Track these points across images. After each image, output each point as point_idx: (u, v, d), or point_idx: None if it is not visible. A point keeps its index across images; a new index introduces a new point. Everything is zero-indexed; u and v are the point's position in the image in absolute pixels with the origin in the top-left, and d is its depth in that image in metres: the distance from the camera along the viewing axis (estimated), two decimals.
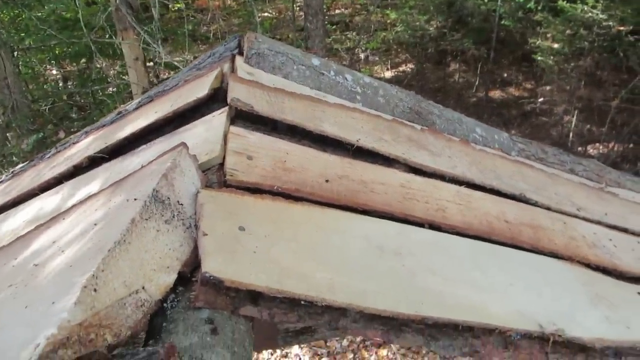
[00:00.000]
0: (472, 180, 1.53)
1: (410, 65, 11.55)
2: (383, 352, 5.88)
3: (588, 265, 1.38)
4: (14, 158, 7.34)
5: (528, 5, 7.18)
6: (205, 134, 1.30)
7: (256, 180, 1.12)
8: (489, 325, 1.00)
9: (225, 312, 0.84)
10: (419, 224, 1.24)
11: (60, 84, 10.65)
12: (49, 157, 1.85)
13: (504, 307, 1.07)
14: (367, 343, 5.93)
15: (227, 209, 0.99)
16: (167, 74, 11.16)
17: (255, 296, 0.88)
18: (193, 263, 0.89)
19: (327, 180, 1.22)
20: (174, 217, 0.92)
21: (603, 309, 1.22)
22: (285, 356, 5.65)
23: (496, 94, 9.71)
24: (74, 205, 1.22)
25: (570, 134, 7.46)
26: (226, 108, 1.37)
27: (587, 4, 6.09)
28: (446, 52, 10.35)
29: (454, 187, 1.47)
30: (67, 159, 1.61)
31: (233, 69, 1.61)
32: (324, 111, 1.52)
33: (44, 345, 0.61)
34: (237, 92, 1.38)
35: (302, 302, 0.86)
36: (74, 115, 8.33)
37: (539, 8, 6.97)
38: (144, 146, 1.43)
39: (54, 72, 11.25)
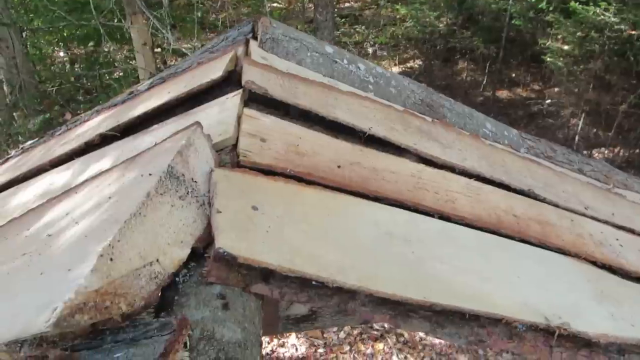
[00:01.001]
0: (481, 173, 1.53)
1: (418, 62, 11.51)
2: (379, 345, 5.91)
3: (594, 263, 1.38)
4: (20, 137, 7.35)
5: (540, 6, 7.13)
6: (218, 116, 1.30)
7: (269, 162, 1.12)
8: (495, 315, 1.01)
9: (237, 288, 0.85)
10: (429, 213, 1.25)
11: (67, 67, 10.64)
12: (59, 134, 1.86)
13: (511, 299, 1.08)
14: (364, 336, 5.96)
15: (240, 188, 0.99)
16: (174, 60, 11.13)
17: (266, 274, 0.89)
18: (206, 239, 0.90)
19: (338, 166, 1.22)
20: (188, 193, 0.93)
21: (608, 306, 1.22)
22: (282, 345, 5.68)
23: (503, 93, 9.67)
24: (85, 180, 1.22)
25: (576, 137, 7.44)
26: (240, 90, 1.37)
27: (599, 6, 6.04)
28: (455, 49, 10.30)
29: (464, 179, 1.47)
30: (78, 136, 1.61)
31: (247, 53, 1.61)
32: (336, 98, 1.52)
33: (61, 309, 0.62)
34: (251, 75, 1.38)
35: (313, 283, 0.87)
36: (80, 98, 8.34)
37: (551, 9, 6.92)
38: (156, 125, 1.44)
39: (62, 54, 11.24)
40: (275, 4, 14.08)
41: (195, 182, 0.97)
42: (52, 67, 9.99)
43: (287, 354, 5.62)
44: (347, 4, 14.75)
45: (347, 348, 5.90)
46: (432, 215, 1.25)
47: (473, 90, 9.97)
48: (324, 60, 1.75)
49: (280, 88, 1.40)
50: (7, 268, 0.90)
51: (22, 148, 2.03)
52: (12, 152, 2.07)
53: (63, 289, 0.66)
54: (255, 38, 1.78)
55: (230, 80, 1.54)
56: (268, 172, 1.11)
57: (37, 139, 2.04)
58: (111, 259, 0.71)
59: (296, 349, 5.74)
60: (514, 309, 1.05)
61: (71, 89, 9.05)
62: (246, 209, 0.93)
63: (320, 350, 5.84)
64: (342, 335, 6.01)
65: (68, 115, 7.60)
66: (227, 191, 0.96)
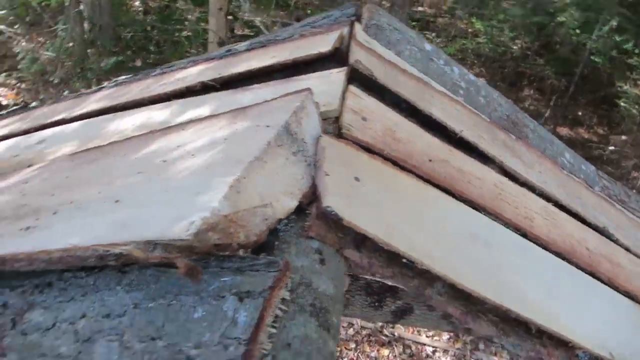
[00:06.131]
0: (559, 200, 1.53)
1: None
2: (385, 351, 5.91)
3: None
4: (89, 74, 7.68)
5: (625, 47, 6.85)
6: (321, 87, 1.34)
7: (368, 140, 1.16)
8: (563, 336, 1.02)
9: (331, 250, 0.89)
10: (507, 225, 1.26)
11: (141, 16, 10.98)
12: (154, 75, 1.95)
13: (578, 325, 1.08)
14: (372, 339, 5.97)
15: (344, 158, 1.03)
16: (242, 30, 11.33)
17: (358, 242, 0.93)
18: (309, 197, 0.94)
19: (430, 160, 1.25)
20: (299, 151, 0.98)
21: None
22: None
23: (564, 130, 9.38)
24: (190, 121, 1.29)
25: (634, 191, 7.16)
26: (345, 68, 1.41)
27: None
28: (524, 75, 10.04)
29: (542, 201, 1.46)
30: (178, 80, 1.69)
31: (351, 34, 1.64)
32: (432, 96, 1.54)
33: (200, 224, 0.67)
34: (359, 55, 1.41)
35: (404, 260, 0.90)
36: (151, 48, 8.60)
37: (637, 51, 6.65)
38: (256, 85, 1.49)
39: (137, 3, 11.59)
40: None
41: (305, 142, 1.01)
42: (129, 14, 10.33)
43: None
44: (420, 8, 14.56)
45: (352, 345, 5.93)
46: (510, 228, 1.26)
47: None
48: (422, 57, 1.77)
49: (384, 74, 1.43)
50: (125, 181, 0.97)
51: (115, 81, 2.14)
52: (105, 84, 2.19)
53: (196, 207, 0.72)
54: (358, 21, 1.81)
55: (331, 57, 1.58)
56: (366, 149, 1.14)
57: (130, 75, 2.15)
58: (238, 192, 0.77)
59: None
60: (580, 336, 1.05)
61: (142, 37, 9.34)
62: (349, 178, 0.97)
63: None
64: (350, 332, 6.04)
65: (138, 62, 7.88)
66: (334, 158, 1.00)
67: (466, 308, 1.00)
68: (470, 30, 11.55)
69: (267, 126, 0.98)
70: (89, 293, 0.85)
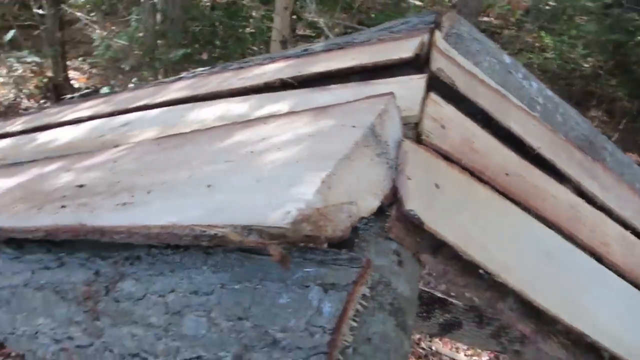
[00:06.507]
0: (637, 227, 1.46)
1: None
2: None
3: None
4: (157, 64, 8.03)
5: None
6: (401, 92, 1.35)
7: (447, 148, 1.16)
8: None
9: (409, 251, 0.90)
10: (582, 247, 1.22)
11: (209, 11, 11.37)
12: (232, 69, 2.03)
13: None
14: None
15: (425, 164, 1.04)
16: (304, 30, 11.48)
17: (434, 249, 0.93)
18: (389, 199, 0.96)
19: (506, 174, 1.23)
20: (382, 153, 0.99)
21: None
22: None
23: (633, 157, 8.86)
24: (272, 116, 1.34)
25: None
26: (425, 75, 1.41)
27: None
28: (592, 95, 9.58)
29: (619, 227, 1.41)
30: (257, 76, 1.75)
31: (431, 42, 1.65)
32: (509, 109, 1.52)
33: (296, 215, 0.71)
34: (441, 64, 1.42)
35: (480, 271, 0.90)
36: (217, 43, 8.88)
37: None
38: (334, 85, 1.52)
39: None
40: (416, 1, 13.90)
41: (388, 145, 1.03)
42: (198, 8, 10.72)
43: None
44: (486, 19, 14.19)
45: None
46: (585, 251, 1.22)
47: None
48: (500, 69, 1.74)
49: (464, 83, 1.42)
50: (214, 167, 1.02)
51: (193, 72, 2.24)
52: (183, 74, 2.30)
53: (291, 198, 0.76)
54: (438, 29, 1.81)
55: (408, 63, 1.59)
56: (445, 158, 1.14)
57: (208, 67, 2.24)
58: (329, 187, 0.79)
59: None
60: None
61: (209, 32, 9.66)
62: (430, 184, 0.98)
63: None
64: None
65: (204, 55, 8.17)
66: (415, 163, 1.01)
67: (537, 327, 0.98)
68: (537, 44, 11.15)
69: (353, 126, 1.00)
70: (177, 270, 0.91)
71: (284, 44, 8.03)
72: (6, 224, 1.15)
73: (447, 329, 2.32)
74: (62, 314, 0.97)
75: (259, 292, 0.78)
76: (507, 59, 1.79)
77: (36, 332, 1.00)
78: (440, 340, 5.23)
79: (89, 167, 1.42)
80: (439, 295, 2.34)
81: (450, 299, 2.30)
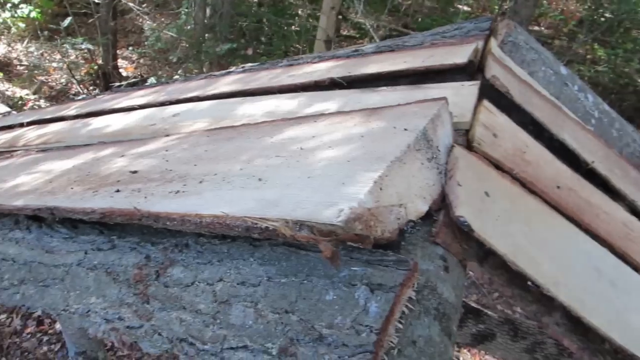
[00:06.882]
0: None
1: None
2: None
3: None
4: (203, 57, 8.21)
5: None
6: (453, 98, 1.34)
7: (498, 157, 1.14)
8: None
9: (455, 258, 0.90)
10: (634, 268, 1.18)
11: (256, 8, 11.54)
12: (282, 65, 2.06)
13: None
14: None
15: (475, 171, 1.03)
16: (348, 31, 11.47)
17: (481, 257, 0.92)
18: (437, 204, 0.95)
19: (558, 187, 1.20)
20: (433, 158, 0.99)
21: None
22: None
23: None
24: (321, 114, 1.36)
25: None
26: (478, 82, 1.39)
27: None
28: None
29: None
30: (307, 74, 1.77)
31: (486, 48, 1.62)
32: (564, 121, 1.47)
33: (348, 213, 0.71)
34: (495, 71, 1.39)
35: (529, 283, 0.88)
36: (262, 39, 9.00)
37: None
38: (384, 87, 1.52)
39: None
40: (465, 7, 13.64)
41: (439, 150, 1.02)
42: (245, 5, 10.91)
43: None
44: (536, 28, 13.77)
45: None
46: (637, 271, 1.18)
47: None
48: (556, 80, 1.70)
49: (519, 92, 1.39)
50: (265, 162, 1.04)
51: (242, 67, 2.28)
52: (233, 68, 2.34)
53: (343, 197, 0.77)
54: (492, 36, 1.78)
55: (460, 69, 1.57)
56: (496, 166, 1.13)
57: (258, 63, 2.28)
58: (381, 188, 0.80)
59: None
60: None
61: (255, 28, 9.81)
62: (480, 192, 0.97)
63: None
64: None
65: (249, 50, 8.29)
66: (466, 169, 1.00)
67: (583, 344, 0.96)
68: (589, 56, 10.74)
69: (405, 129, 1.00)
70: (225, 260, 0.93)
71: (328, 43, 8.06)
72: (63, 204, 1.20)
73: (480, 340, 2.28)
74: (113, 295, 1.02)
75: (305, 287, 0.79)
76: (564, 70, 1.74)
77: (88, 311, 1.04)
78: (468, 350, 5.13)
79: (142, 154, 1.47)
80: (473, 305, 2.30)
81: (484, 310, 2.25)
